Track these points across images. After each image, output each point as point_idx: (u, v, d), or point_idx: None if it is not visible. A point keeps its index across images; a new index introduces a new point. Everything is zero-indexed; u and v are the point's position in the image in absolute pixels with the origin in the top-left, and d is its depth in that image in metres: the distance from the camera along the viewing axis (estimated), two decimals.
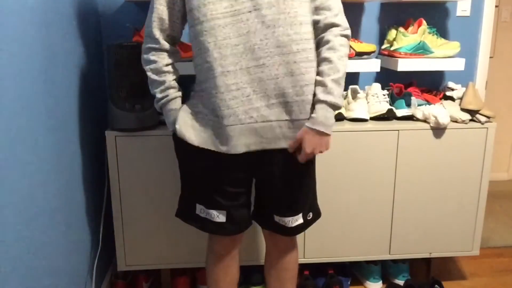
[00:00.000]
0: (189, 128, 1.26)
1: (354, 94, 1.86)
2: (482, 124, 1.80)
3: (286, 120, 1.21)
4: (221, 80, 1.17)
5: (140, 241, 1.77)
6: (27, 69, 1.16)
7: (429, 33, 1.89)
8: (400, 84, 1.93)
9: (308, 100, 1.21)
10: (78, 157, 1.56)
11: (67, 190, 1.44)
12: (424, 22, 1.87)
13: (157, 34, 1.26)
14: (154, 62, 1.27)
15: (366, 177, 1.79)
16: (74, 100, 1.54)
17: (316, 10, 1.23)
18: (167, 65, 1.28)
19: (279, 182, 1.30)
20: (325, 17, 1.23)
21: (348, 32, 1.25)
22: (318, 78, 1.22)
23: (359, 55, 1.82)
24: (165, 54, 1.28)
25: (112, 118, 1.65)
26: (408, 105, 1.86)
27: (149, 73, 1.30)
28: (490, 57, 2.53)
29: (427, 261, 2.05)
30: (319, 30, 1.25)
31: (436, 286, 1.86)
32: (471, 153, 1.81)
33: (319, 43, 1.26)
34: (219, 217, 1.33)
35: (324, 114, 1.20)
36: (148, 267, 1.81)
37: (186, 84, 1.46)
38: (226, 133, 1.20)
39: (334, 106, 1.21)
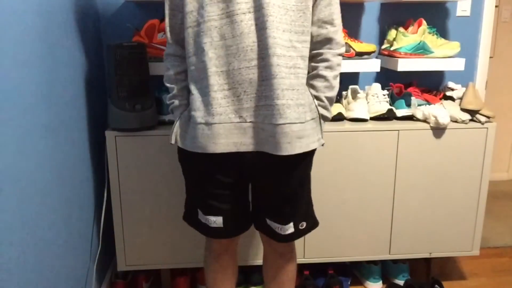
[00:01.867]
0: (183, 133, 1.29)
1: (354, 94, 1.86)
2: (482, 124, 1.80)
3: (270, 123, 1.20)
4: (214, 79, 1.19)
5: (140, 241, 1.77)
6: (27, 69, 1.16)
7: (429, 33, 1.89)
8: (400, 84, 1.93)
9: (288, 105, 1.19)
10: (78, 157, 1.56)
11: (67, 190, 1.44)
12: (424, 22, 1.87)
13: (170, 39, 1.30)
14: (168, 69, 1.32)
15: (366, 177, 1.79)
16: (74, 100, 1.54)
17: (319, 22, 1.26)
18: (177, 73, 1.31)
19: (269, 189, 1.31)
20: (327, 32, 1.26)
21: (344, 49, 1.31)
22: (313, 92, 1.28)
23: (359, 55, 1.82)
24: (178, 61, 1.31)
25: (112, 118, 1.65)
26: (408, 105, 1.86)
27: (164, 79, 1.34)
28: (490, 57, 2.53)
29: (427, 261, 2.05)
30: (318, 43, 1.28)
31: (436, 286, 1.86)
32: (471, 153, 1.81)
33: (315, 57, 1.29)
34: (216, 222, 1.34)
35: (322, 123, 1.32)
36: (148, 267, 1.81)
37: None
38: (215, 132, 1.21)
39: (325, 119, 1.32)
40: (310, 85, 1.28)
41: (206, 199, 1.32)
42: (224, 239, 1.41)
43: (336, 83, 1.29)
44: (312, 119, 1.26)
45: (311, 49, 1.28)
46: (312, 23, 1.25)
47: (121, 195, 1.72)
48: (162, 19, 1.80)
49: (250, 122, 1.21)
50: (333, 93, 1.29)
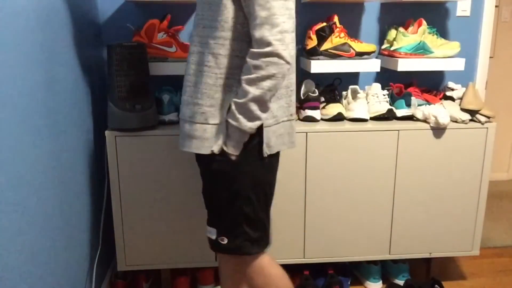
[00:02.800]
0: None
1: (354, 94, 1.86)
2: (482, 124, 1.80)
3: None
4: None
5: (140, 241, 1.77)
6: (27, 70, 1.16)
7: (429, 33, 1.89)
8: (400, 84, 1.93)
9: (186, 102, 1.22)
10: (78, 157, 1.56)
11: (67, 190, 1.44)
12: (424, 22, 1.87)
13: None
14: None
15: (366, 177, 1.79)
16: (74, 100, 1.54)
17: (247, 16, 1.12)
18: None
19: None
20: (251, 28, 1.08)
21: (272, 48, 1.04)
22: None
23: (359, 55, 1.82)
24: None
25: (112, 118, 1.65)
26: (408, 105, 1.86)
27: None
28: (490, 57, 2.53)
29: (427, 261, 2.05)
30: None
31: (436, 286, 1.86)
32: (471, 153, 1.81)
33: None
34: None
35: (230, 131, 1.15)
36: (148, 267, 1.81)
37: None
38: None
39: (237, 128, 1.13)
40: None
41: None
42: None
43: (249, 89, 1.07)
44: (219, 123, 1.17)
45: None
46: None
47: (121, 195, 1.72)
48: (162, 19, 1.80)
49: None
50: (244, 100, 1.09)
